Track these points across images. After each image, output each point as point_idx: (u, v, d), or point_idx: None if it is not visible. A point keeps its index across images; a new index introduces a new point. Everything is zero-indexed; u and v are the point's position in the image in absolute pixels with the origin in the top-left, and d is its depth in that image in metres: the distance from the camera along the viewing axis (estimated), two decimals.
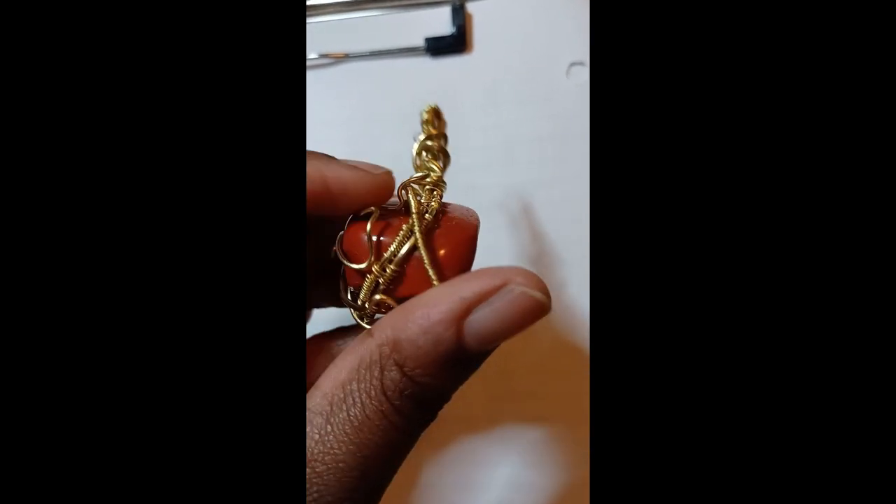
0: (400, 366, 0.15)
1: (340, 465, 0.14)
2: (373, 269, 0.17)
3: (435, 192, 0.18)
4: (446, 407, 0.16)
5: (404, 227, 0.17)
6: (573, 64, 0.33)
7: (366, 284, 0.17)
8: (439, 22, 0.34)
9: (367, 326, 0.17)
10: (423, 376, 0.15)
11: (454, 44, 0.33)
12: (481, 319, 0.15)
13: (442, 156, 0.20)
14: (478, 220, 0.19)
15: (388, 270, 0.17)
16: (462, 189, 0.30)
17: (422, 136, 0.20)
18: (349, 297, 0.18)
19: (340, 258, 0.17)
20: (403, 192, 0.18)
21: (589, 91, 0.33)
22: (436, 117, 0.20)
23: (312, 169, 0.17)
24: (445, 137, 0.20)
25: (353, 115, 0.33)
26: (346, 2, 0.34)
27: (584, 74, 0.33)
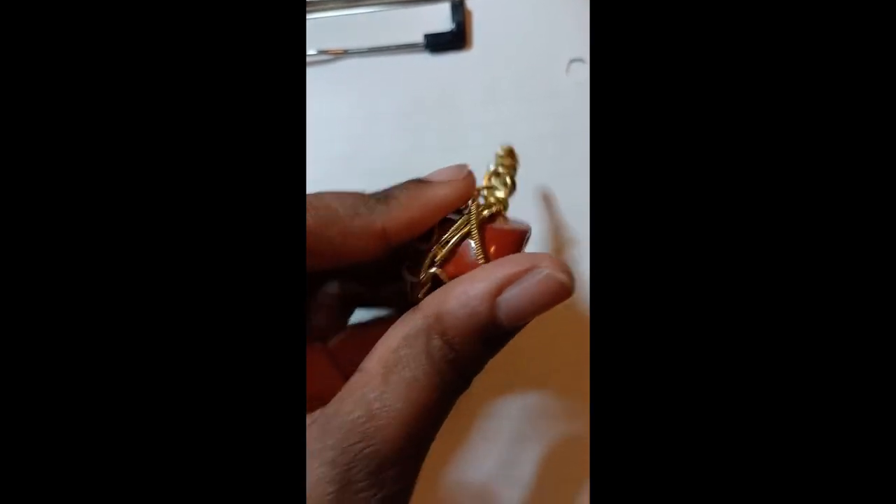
0: (441, 335, 0.17)
1: (397, 419, 0.16)
2: (432, 248, 0.20)
3: (496, 205, 0.22)
4: None
5: (464, 215, 0.21)
6: (573, 61, 0.33)
7: (427, 259, 0.20)
8: (439, 18, 0.33)
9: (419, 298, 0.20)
10: (460, 345, 0.17)
11: (453, 40, 0.33)
12: (512, 297, 0.17)
13: (509, 184, 0.23)
14: (529, 229, 0.21)
15: (445, 248, 0.20)
16: None
17: (492, 166, 0.24)
18: (407, 272, 0.21)
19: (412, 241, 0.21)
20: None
21: (589, 88, 0.32)
22: (509, 155, 0.24)
23: (424, 199, 0.20)
24: (515, 171, 0.24)
25: (352, 112, 0.33)
26: None
27: (583, 71, 0.33)
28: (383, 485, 0.16)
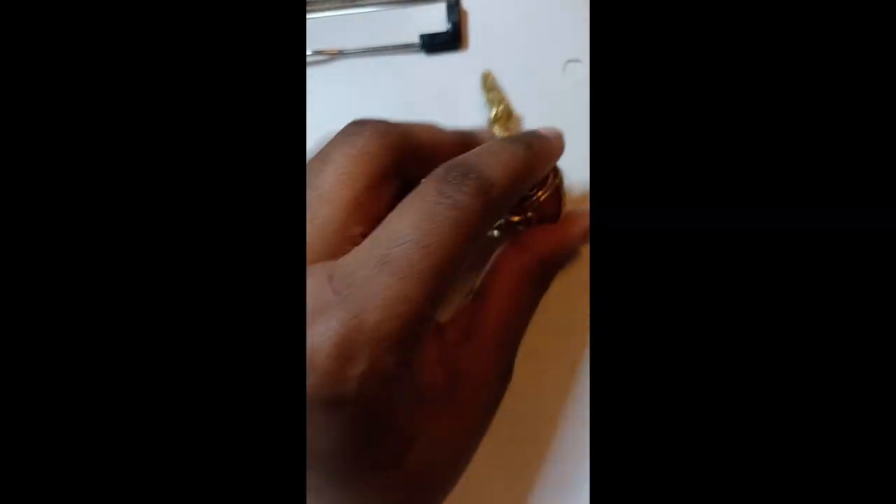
0: (549, 266, 0.25)
1: (522, 329, 0.24)
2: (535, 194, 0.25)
3: None
4: None
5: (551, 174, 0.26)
6: (569, 61, 0.33)
7: (530, 202, 0.25)
8: (434, 18, 0.33)
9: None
10: (560, 266, 0.26)
11: (449, 41, 0.33)
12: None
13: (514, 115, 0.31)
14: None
15: (547, 194, 0.25)
16: None
17: (493, 109, 0.31)
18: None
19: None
20: None
21: (585, 88, 0.32)
22: (494, 87, 0.31)
23: (550, 150, 0.24)
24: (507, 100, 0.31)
25: (348, 112, 0.33)
26: None
27: (580, 72, 0.33)
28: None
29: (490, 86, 0.31)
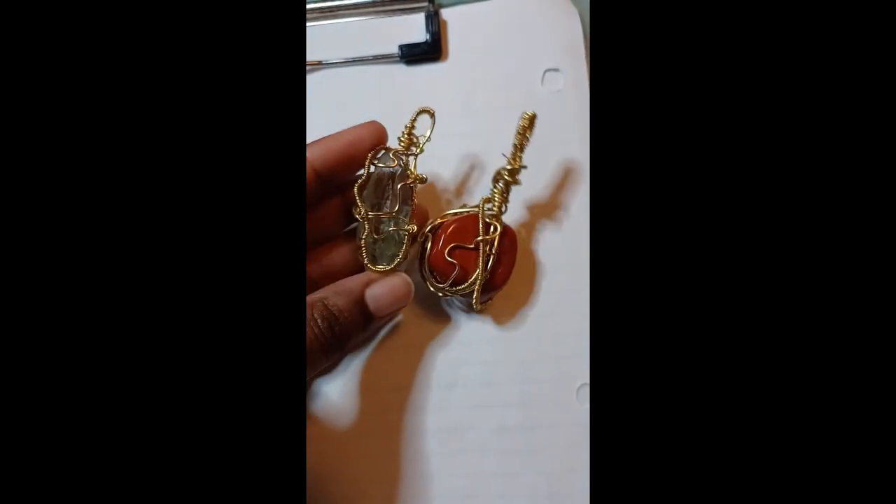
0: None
1: None
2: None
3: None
4: None
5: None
6: (548, 70, 0.33)
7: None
8: (414, 29, 0.34)
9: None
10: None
11: (429, 51, 0.33)
12: None
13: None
14: None
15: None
16: (440, 196, 0.30)
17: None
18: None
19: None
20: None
21: (564, 97, 0.33)
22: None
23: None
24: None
25: (328, 123, 0.33)
26: (321, 9, 0.34)
27: (558, 81, 0.33)
28: None
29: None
